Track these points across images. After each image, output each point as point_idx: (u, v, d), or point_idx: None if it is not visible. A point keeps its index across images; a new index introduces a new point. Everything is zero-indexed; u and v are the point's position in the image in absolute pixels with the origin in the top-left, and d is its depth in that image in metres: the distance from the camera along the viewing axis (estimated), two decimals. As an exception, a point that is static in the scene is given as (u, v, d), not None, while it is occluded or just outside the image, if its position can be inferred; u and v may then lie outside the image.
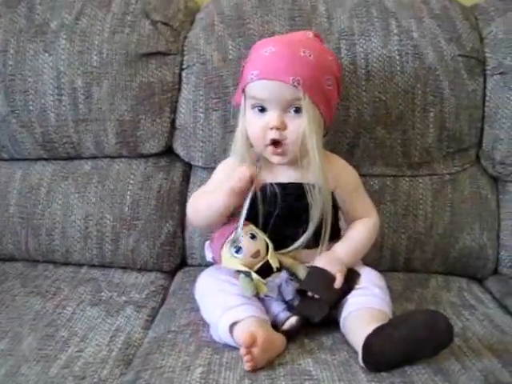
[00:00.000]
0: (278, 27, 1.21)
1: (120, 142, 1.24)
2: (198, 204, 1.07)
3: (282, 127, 0.98)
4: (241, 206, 0.99)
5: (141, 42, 1.21)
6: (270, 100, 0.98)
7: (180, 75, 1.23)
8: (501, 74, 1.23)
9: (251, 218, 1.00)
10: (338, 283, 0.99)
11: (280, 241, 1.01)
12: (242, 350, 0.86)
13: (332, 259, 1.01)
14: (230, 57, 1.20)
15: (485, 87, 1.24)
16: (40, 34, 1.22)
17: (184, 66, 1.23)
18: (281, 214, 1.01)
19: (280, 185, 1.02)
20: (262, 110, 0.99)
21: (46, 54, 1.21)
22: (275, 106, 0.98)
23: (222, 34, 1.21)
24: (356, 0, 1.25)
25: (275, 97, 0.98)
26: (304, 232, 1.01)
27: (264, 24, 1.21)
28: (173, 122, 1.24)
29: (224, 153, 1.20)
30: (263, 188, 1.01)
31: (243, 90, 1.02)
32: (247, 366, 0.86)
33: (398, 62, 1.20)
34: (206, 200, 1.04)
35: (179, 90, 1.23)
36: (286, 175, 1.03)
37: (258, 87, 0.99)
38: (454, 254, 1.25)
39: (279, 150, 0.99)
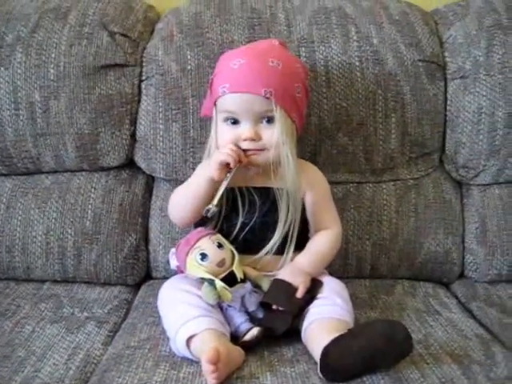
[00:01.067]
0: (237, 36, 1.20)
1: (80, 155, 1.22)
2: (179, 195, 1.06)
3: (256, 138, 0.99)
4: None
5: (99, 53, 1.20)
6: (242, 112, 0.99)
7: (139, 87, 1.22)
8: (461, 78, 1.24)
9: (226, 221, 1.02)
10: (299, 293, 0.99)
11: (249, 247, 1.02)
12: (209, 367, 0.84)
13: (295, 270, 1.02)
14: (189, 67, 1.19)
15: (446, 91, 1.25)
16: (-5, 47, 1.20)
17: (143, 78, 1.22)
18: (257, 220, 1.01)
19: (256, 189, 1.02)
20: (235, 122, 1.00)
21: (2, 68, 1.19)
22: (248, 117, 0.99)
23: (181, 44, 1.20)
24: (315, 7, 1.25)
25: (247, 109, 0.98)
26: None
27: (223, 33, 1.21)
28: (133, 134, 1.23)
29: (185, 164, 1.20)
30: (241, 194, 1.02)
31: (214, 104, 1.02)
32: (213, 383, 0.85)
33: (358, 69, 1.20)
34: (188, 188, 1.04)
35: (139, 101, 1.22)
36: (259, 181, 1.03)
37: (229, 100, 0.99)
38: (420, 260, 1.24)
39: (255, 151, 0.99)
